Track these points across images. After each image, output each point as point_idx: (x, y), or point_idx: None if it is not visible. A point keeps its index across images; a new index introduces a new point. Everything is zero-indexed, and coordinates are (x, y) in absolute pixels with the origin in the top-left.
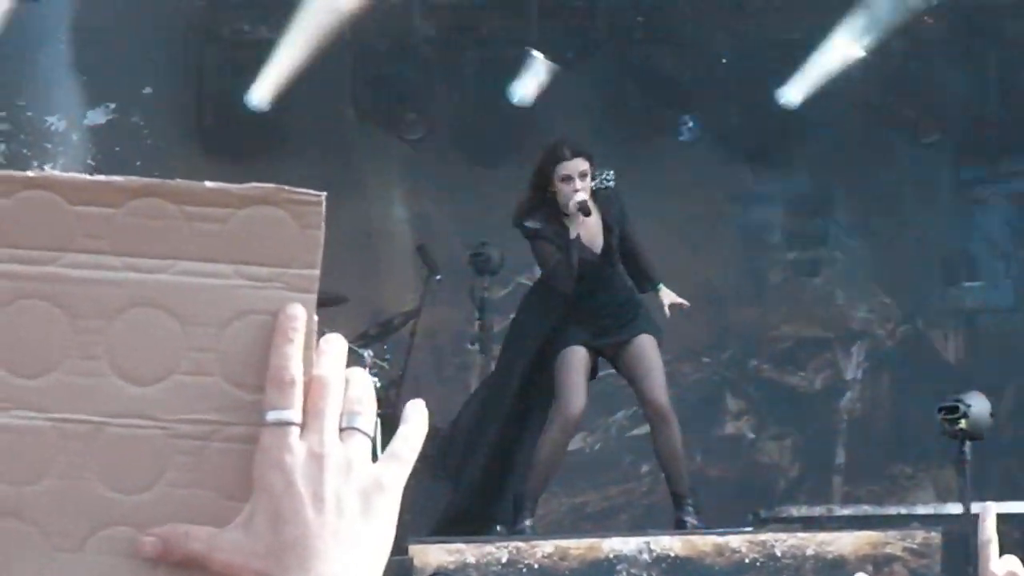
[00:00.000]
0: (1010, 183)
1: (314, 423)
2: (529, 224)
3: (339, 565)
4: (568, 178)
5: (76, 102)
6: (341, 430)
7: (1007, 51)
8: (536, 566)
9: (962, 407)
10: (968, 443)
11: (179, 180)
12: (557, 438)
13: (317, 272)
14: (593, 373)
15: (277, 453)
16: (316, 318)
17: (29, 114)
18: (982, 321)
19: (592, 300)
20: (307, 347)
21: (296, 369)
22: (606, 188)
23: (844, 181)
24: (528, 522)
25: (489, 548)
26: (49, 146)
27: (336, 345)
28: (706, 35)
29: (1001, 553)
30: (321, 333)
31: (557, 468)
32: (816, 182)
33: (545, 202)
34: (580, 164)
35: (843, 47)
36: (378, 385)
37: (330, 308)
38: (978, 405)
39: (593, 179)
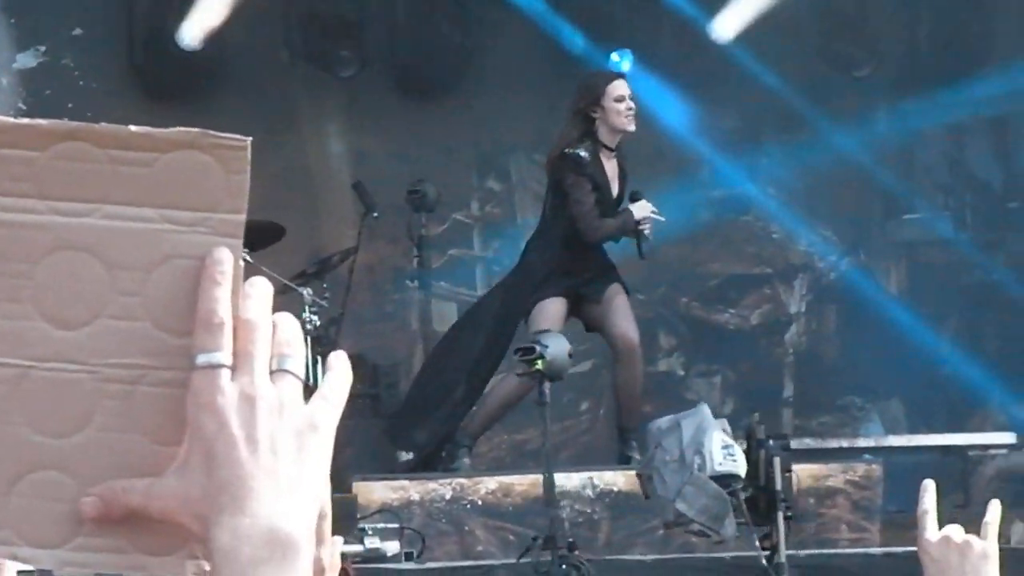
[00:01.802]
0: (946, 114)
1: (244, 365)
2: (581, 153)
3: (274, 505)
4: (622, 97)
5: (5, 45)
6: (272, 372)
7: None
8: (480, 503)
9: (539, 348)
10: (547, 383)
11: (104, 124)
12: (514, 387)
13: (243, 217)
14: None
15: (208, 395)
16: (242, 263)
17: None
18: (922, 253)
19: (585, 254)
20: (234, 292)
21: (224, 312)
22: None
23: (777, 116)
24: (466, 460)
25: (432, 485)
26: None
27: (261, 288)
28: None
29: (941, 485)
30: (259, 270)
31: (502, 412)
32: (748, 117)
33: (588, 133)
34: (627, 85)
35: None
36: (318, 323)
37: (268, 247)
38: (556, 346)
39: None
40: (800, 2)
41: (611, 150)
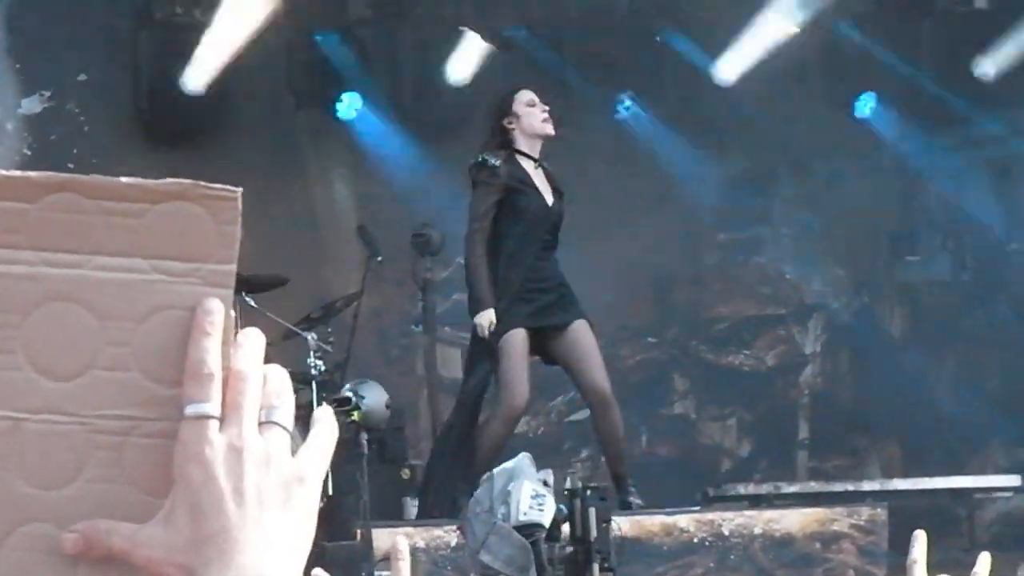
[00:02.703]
0: (945, 157)
1: (233, 416)
2: (491, 160)
3: (260, 557)
4: (532, 102)
5: (10, 91)
6: (260, 424)
7: (941, 25)
8: None
9: (355, 399)
10: (365, 434)
11: (95, 176)
12: (499, 429)
13: (234, 267)
14: (533, 353)
15: (196, 446)
16: (233, 313)
17: None
18: (922, 295)
19: (539, 265)
20: (225, 342)
21: (214, 363)
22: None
23: (785, 157)
24: None
25: (438, 532)
26: None
27: (254, 339)
28: (641, 13)
29: (946, 529)
30: (262, 316)
31: (497, 456)
32: (755, 159)
33: (505, 144)
34: (533, 94)
35: (777, 23)
36: (323, 368)
37: (273, 291)
38: (372, 397)
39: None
40: (802, 45)
41: (533, 159)
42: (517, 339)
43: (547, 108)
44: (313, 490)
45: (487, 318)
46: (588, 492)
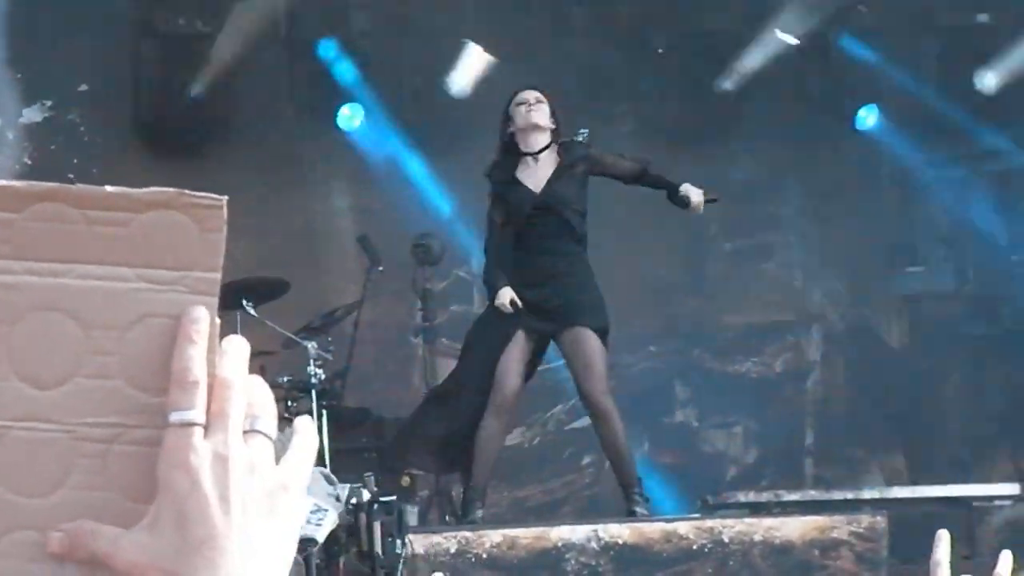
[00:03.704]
0: (947, 169)
1: (218, 424)
2: (489, 175)
3: (245, 565)
4: (522, 102)
5: (11, 100)
6: (244, 432)
7: (943, 38)
8: (485, 556)
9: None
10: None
11: (81, 185)
12: (490, 423)
13: (219, 276)
14: (536, 354)
15: (182, 454)
16: (219, 321)
17: None
18: (924, 307)
19: (530, 260)
20: (210, 350)
21: (199, 370)
22: (575, 141)
23: (788, 168)
24: (479, 513)
25: (437, 539)
26: None
27: (238, 346)
28: (643, 26)
29: (951, 542)
30: (262, 325)
31: (494, 454)
32: (759, 169)
33: (511, 149)
34: (534, 93)
35: (778, 36)
36: (323, 377)
37: (272, 302)
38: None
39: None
40: (801, 54)
41: (533, 155)
42: (513, 349)
43: (531, 99)
44: (297, 499)
45: (505, 297)
46: (374, 506)
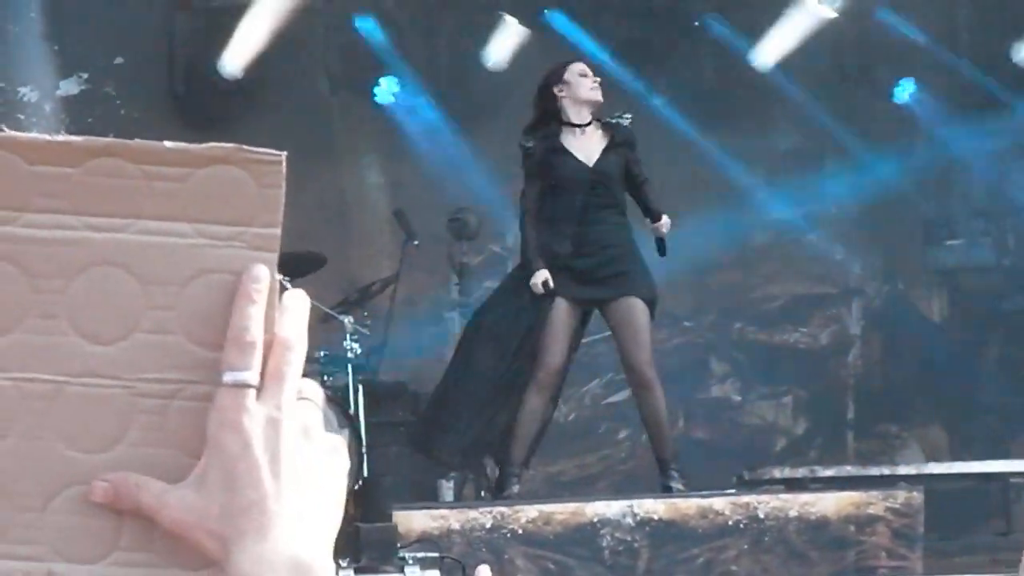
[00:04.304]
0: (985, 142)
1: (274, 386)
2: (526, 144)
3: (294, 531)
4: (585, 73)
5: (48, 72)
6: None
7: (977, 10)
8: (520, 531)
9: None
10: None
11: (138, 140)
12: (532, 400)
13: (278, 231)
14: (579, 327)
15: (234, 414)
16: (279, 277)
17: (1, 85)
18: (963, 280)
19: (581, 230)
20: (269, 305)
21: (257, 330)
22: (620, 123)
23: (824, 141)
24: (516, 488)
25: (473, 514)
26: (22, 117)
27: (301, 303)
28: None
29: (982, 513)
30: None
31: (535, 429)
32: (796, 142)
33: (552, 114)
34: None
35: (815, 9)
36: (359, 351)
37: (310, 276)
38: None
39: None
40: (839, 29)
41: (580, 126)
42: (559, 309)
43: (598, 80)
44: (345, 464)
45: (540, 278)
46: None
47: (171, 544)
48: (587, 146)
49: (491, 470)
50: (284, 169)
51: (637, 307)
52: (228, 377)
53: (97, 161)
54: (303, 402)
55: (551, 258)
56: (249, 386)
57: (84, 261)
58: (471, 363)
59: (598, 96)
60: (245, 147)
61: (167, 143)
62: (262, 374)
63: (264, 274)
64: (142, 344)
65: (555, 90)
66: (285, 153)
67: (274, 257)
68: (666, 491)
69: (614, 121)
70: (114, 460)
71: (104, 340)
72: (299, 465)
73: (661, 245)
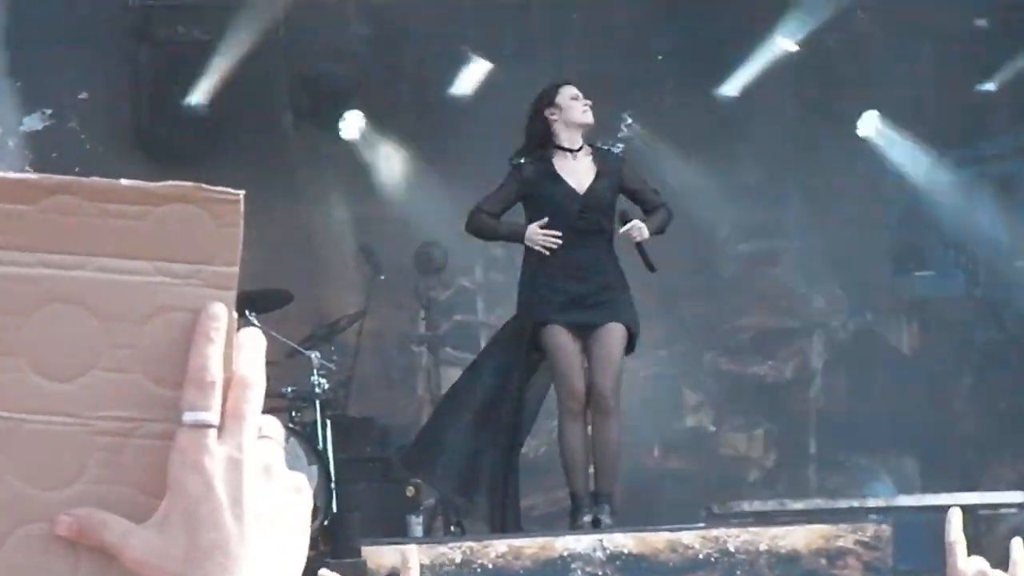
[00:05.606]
0: (949, 174)
1: (234, 425)
2: (519, 161)
3: (258, 573)
4: (577, 96)
5: (11, 108)
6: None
7: (940, 44)
8: (490, 566)
9: None
10: None
11: (95, 178)
12: (568, 429)
13: (236, 270)
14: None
15: (195, 455)
16: (236, 316)
17: None
18: (933, 311)
19: (570, 257)
20: (227, 344)
21: (216, 370)
22: (612, 152)
23: (789, 174)
24: (587, 519)
25: (443, 549)
26: None
27: (256, 340)
28: (643, 31)
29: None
30: (265, 335)
31: (584, 456)
32: (762, 174)
33: (547, 138)
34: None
35: (777, 43)
36: (326, 386)
37: (276, 312)
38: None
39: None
40: (802, 60)
41: (571, 151)
42: (555, 332)
43: (589, 103)
44: (308, 502)
45: (532, 231)
46: None
47: None
48: (578, 172)
49: (459, 504)
50: (242, 208)
51: (616, 333)
52: (188, 417)
53: (53, 199)
54: (264, 440)
55: (540, 279)
56: (210, 426)
57: (40, 298)
58: (464, 392)
59: (589, 119)
60: (203, 186)
61: (124, 181)
62: (222, 413)
63: (222, 312)
64: (100, 381)
65: (547, 114)
66: (243, 192)
67: (232, 295)
68: (595, 524)
69: (605, 149)
70: (72, 497)
71: (62, 377)
72: (261, 505)
73: (645, 258)
